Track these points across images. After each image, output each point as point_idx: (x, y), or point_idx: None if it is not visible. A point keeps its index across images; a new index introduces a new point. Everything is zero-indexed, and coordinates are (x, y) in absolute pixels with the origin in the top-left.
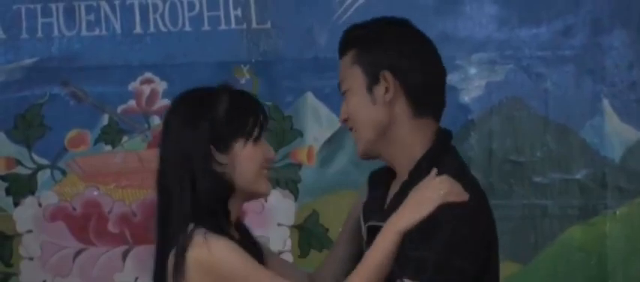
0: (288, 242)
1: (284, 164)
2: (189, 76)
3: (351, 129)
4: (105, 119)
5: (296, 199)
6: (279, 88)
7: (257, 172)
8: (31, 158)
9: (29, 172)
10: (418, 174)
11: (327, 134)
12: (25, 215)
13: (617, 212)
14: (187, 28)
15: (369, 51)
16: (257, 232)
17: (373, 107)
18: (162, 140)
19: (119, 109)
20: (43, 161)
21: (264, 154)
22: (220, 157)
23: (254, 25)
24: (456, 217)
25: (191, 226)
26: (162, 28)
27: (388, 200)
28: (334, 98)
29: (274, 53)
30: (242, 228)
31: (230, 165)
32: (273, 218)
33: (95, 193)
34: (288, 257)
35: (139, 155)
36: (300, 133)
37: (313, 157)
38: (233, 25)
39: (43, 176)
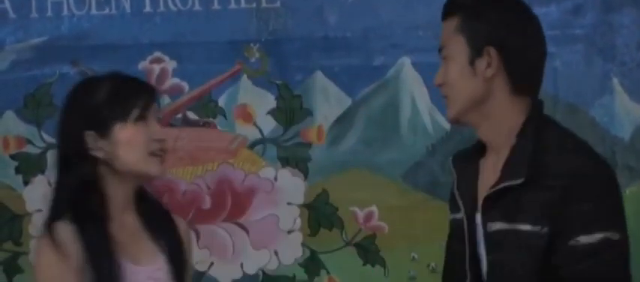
0: (298, 221)
1: (294, 143)
2: (199, 55)
3: (444, 95)
4: None
5: (306, 178)
6: (289, 67)
7: (140, 153)
8: (41, 137)
9: (39, 151)
10: (524, 141)
11: (337, 113)
12: (34, 194)
13: (627, 191)
14: (197, 7)
15: (475, 22)
16: (266, 210)
17: (472, 80)
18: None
19: None
20: (53, 140)
21: (150, 134)
22: (101, 143)
23: (263, 4)
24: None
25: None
26: (172, 7)
27: (485, 175)
28: (344, 77)
29: (284, 32)
30: (152, 208)
31: (112, 149)
32: (283, 197)
33: None
34: (298, 236)
35: None
36: (309, 112)
37: (323, 136)
38: (243, 4)
39: (52, 155)
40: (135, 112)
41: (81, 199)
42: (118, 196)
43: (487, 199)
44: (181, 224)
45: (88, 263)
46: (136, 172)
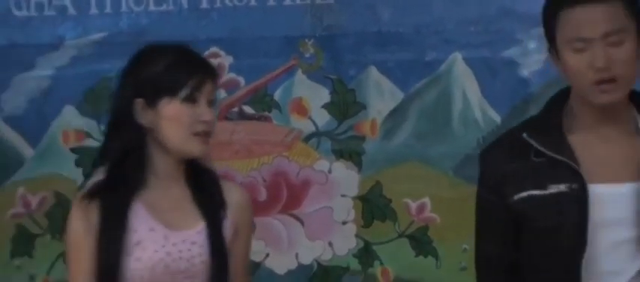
0: (352, 213)
1: (347, 136)
2: (255, 50)
3: (610, 78)
4: None
5: (359, 170)
6: (343, 62)
7: (184, 134)
8: (101, 131)
9: (98, 144)
10: None
11: (390, 107)
12: None
13: None
14: (253, 3)
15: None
16: (321, 202)
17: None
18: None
19: None
20: None
21: (197, 115)
22: (148, 113)
23: (318, 0)
24: None
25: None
26: (228, 3)
27: (604, 146)
28: (397, 72)
29: (338, 28)
30: (201, 184)
31: (157, 122)
32: (337, 189)
33: None
34: (352, 227)
35: None
36: (363, 106)
37: (376, 130)
38: (297, 1)
39: None
40: (184, 91)
41: (119, 163)
42: (161, 166)
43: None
44: (235, 192)
45: (100, 228)
46: (176, 150)
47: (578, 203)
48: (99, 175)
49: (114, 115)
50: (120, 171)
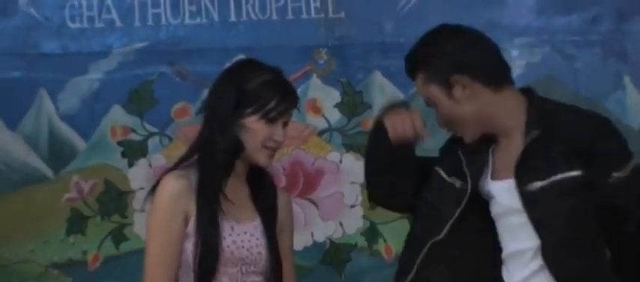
0: (359, 197)
1: (356, 132)
2: (276, 57)
3: (454, 132)
4: (205, 94)
5: None
6: (352, 68)
7: (257, 146)
8: (143, 126)
9: (141, 138)
10: (543, 121)
11: None
12: (138, 175)
13: None
14: (274, 16)
15: (432, 67)
16: (333, 188)
17: (460, 106)
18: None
19: None
20: (153, 129)
21: (272, 135)
22: (239, 122)
23: (330, 14)
24: None
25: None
26: (253, 17)
27: (505, 154)
28: (398, 76)
29: (347, 38)
30: (261, 186)
31: (239, 129)
32: (347, 177)
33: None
34: (360, 210)
35: None
36: (369, 106)
37: None
38: (313, 15)
39: (153, 142)
40: (270, 114)
41: (217, 157)
42: (237, 165)
43: (519, 166)
44: (283, 197)
45: (197, 210)
46: (247, 157)
47: (456, 198)
48: (190, 164)
49: (215, 115)
50: (215, 164)
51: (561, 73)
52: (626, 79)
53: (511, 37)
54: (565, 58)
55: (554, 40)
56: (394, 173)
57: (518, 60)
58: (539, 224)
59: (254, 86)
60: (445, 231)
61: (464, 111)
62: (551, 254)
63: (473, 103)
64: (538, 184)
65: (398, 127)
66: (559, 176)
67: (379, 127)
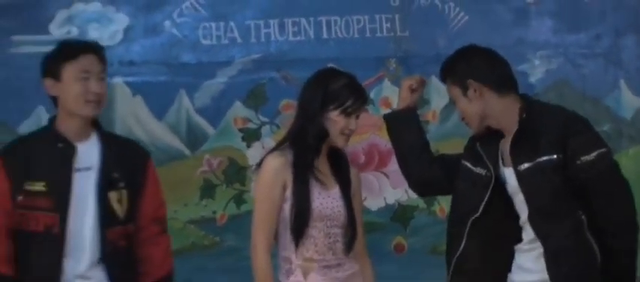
0: None
1: None
2: (358, 66)
3: (466, 123)
4: None
5: None
6: (414, 73)
7: (337, 133)
8: (258, 118)
9: (256, 126)
10: (533, 121)
11: (445, 102)
12: (253, 154)
13: (630, 151)
14: (356, 35)
15: (456, 74)
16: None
17: (471, 104)
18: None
19: None
20: (265, 119)
21: (348, 125)
22: (325, 115)
23: (398, 33)
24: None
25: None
26: (340, 35)
27: (506, 147)
28: None
29: (411, 51)
30: (339, 162)
31: (323, 121)
32: None
33: None
34: None
35: None
36: (427, 102)
37: (436, 117)
38: (385, 33)
39: (265, 129)
40: (348, 109)
41: (309, 141)
42: (323, 147)
43: (511, 152)
44: (354, 171)
45: (294, 180)
46: (329, 141)
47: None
48: (285, 146)
49: (307, 110)
50: (308, 146)
51: (572, 78)
52: (622, 82)
53: (534, 50)
54: (575, 67)
55: (567, 52)
56: (410, 152)
57: (539, 67)
58: (527, 195)
59: (336, 88)
60: (481, 209)
61: (473, 107)
62: (536, 219)
63: (481, 103)
64: (526, 165)
65: (401, 95)
66: (543, 158)
67: (387, 125)
